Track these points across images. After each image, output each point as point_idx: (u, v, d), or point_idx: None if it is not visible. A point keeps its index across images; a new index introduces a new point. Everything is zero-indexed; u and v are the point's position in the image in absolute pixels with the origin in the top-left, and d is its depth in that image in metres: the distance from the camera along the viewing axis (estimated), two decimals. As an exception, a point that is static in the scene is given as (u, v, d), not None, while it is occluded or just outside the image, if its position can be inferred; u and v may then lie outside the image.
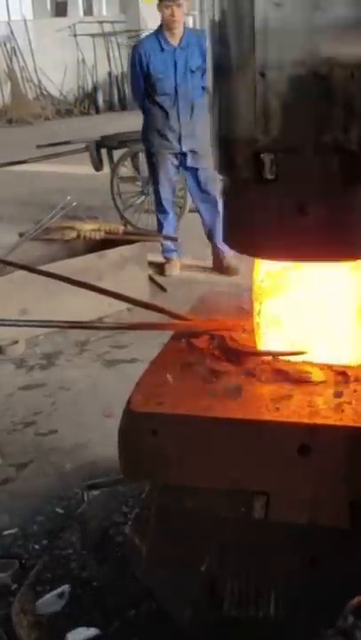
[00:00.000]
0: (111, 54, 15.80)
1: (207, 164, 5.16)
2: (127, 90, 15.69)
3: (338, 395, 1.65)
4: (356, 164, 1.50)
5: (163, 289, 4.99)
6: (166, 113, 5.08)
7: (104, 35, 15.66)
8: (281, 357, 1.79)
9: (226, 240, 1.81)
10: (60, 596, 2.06)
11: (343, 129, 1.47)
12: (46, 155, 6.74)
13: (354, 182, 1.52)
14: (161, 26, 5.10)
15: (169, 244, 5.36)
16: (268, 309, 1.81)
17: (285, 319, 1.79)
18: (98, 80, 15.70)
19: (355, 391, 1.67)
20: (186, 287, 5.00)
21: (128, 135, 6.60)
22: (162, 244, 5.36)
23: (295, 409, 1.60)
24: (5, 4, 16.09)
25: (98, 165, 6.49)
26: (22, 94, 14.86)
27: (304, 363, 1.77)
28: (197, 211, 5.39)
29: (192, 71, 5.03)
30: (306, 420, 1.57)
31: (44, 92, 15.21)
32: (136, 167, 6.56)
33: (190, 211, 5.78)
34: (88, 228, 4.84)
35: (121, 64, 15.84)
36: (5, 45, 14.74)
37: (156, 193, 5.40)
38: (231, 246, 1.80)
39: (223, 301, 2.21)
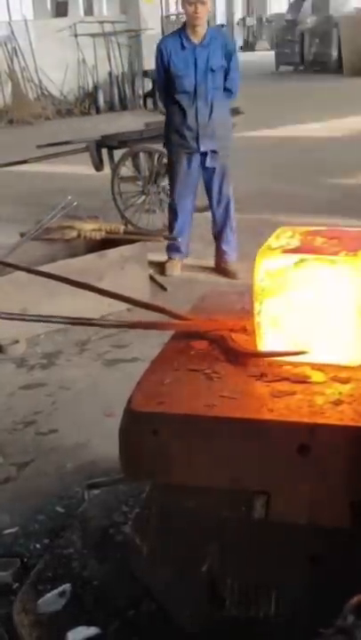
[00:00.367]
0: (112, 54, 15.79)
1: (224, 165, 5.17)
2: (127, 90, 15.72)
3: (338, 395, 1.65)
4: None
5: (163, 288, 5.00)
6: (185, 111, 5.02)
7: (105, 35, 15.65)
8: (282, 358, 1.79)
9: None
10: (61, 595, 2.07)
11: None
12: (47, 155, 6.74)
13: None
14: (185, 23, 5.08)
15: (174, 243, 5.31)
16: (268, 309, 1.81)
17: (285, 319, 1.80)
18: (98, 80, 15.70)
19: (355, 391, 1.67)
20: (186, 287, 5.00)
21: (129, 135, 6.60)
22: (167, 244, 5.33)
23: (295, 408, 1.61)
24: (6, 4, 16.13)
25: (98, 165, 6.49)
26: (23, 94, 14.86)
27: (304, 363, 1.77)
28: (210, 210, 5.35)
29: (212, 70, 4.96)
30: (306, 420, 1.57)
31: (45, 92, 15.21)
32: (137, 167, 6.56)
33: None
34: (88, 228, 4.84)
35: (122, 64, 15.85)
36: (6, 45, 14.74)
37: (172, 191, 5.36)
38: None
39: (224, 301, 2.21)
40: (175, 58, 4.97)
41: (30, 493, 2.85)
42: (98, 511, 2.47)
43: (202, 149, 5.07)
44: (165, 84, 5.12)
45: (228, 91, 5.11)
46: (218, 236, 5.33)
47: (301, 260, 1.74)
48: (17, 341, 4.20)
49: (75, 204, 5.27)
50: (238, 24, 30.24)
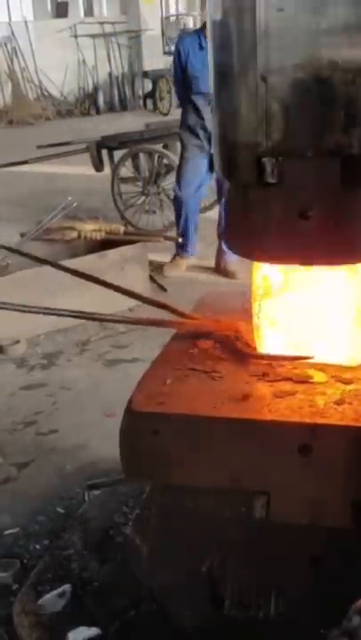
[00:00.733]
0: (112, 55, 15.81)
1: None
2: (127, 90, 15.73)
3: (339, 395, 1.65)
4: (357, 167, 1.50)
5: (163, 289, 4.99)
6: (200, 112, 5.01)
7: (105, 35, 15.67)
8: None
9: (227, 243, 1.81)
10: (61, 595, 2.07)
11: (344, 132, 1.48)
12: (47, 155, 6.74)
13: (355, 186, 1.52)
14: (204, 24, 5.07)
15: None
16: (267, 310, 1.81)
17: (284, 320, 1.80)
18: (98, 81, 15.72)
19: (356, 391, 1.67)
20: (187, 287, 5.00)
21: (129, 136, 6.60)
22: (178, 241, 5.32)
23: (296, 409, 1.61)
24: (6, 4, 16.13)
25: (98, 166, 6.49)
26: (23, 95, 14.88)
27: (305, 363, 1.77)
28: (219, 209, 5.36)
29: None
30: (307, 420, 1.57)
31: (45, 93, 15.22)
32: (136, 168, 6.57)
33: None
34: (89, 229, 4.84)
35: (122, 65, 15.86)
36: (6, 46, 14.76)
37: (178, 184, 5.32)
38: (232, 250, 1.81)
39: (226, 302, 2.21)
40: (193, 58, 4.95)
41: (30, 494, 2.85)
42: (98, 512, 2.47)
43: (213, 151, 5.06)
44: (182, 83, 5.10)
45: None
46: (220, 236, 5.33)
47: None
48: (17, 342, 4.20)
49: (75, 204, 5.27)
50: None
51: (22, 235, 4.89)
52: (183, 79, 5.04)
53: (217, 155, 1.71)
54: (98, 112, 15.41)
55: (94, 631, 1.91)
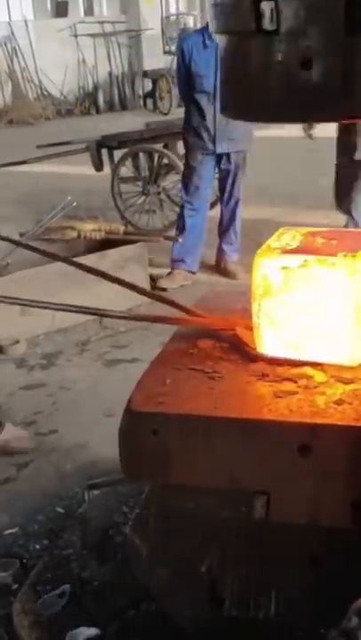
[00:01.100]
0: (112, 54, 15.82)
1: (238, 167, 5.15)
2: (127, 90, 15.74)
3: (339, 395, 1.65)
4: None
5: (162, 288, 4.99)
6: (203, 112, 4.96)
7: (105, 35, 15.68)
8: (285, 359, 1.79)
9: (225, 107, 1.66)
10: (61, 595, 2.06)
11: None
12: (47, 155, 6.74)
13: (359, 31, 1.38)
14: (207, 23, 5.04)
15: (176, 252, 5.17)
16: (267, 310, 1.81)
17: (284, 320, 1.79)
18: (98, 80, 15.72)
19: (356, 391, 1.67)
20: (187, 287, 5.01)
21: (129, 135, 6.60)
22: (171, 252, 5.19)
23: (296, 408, 1.60)
24: (6, 4, 16.12)
25: (98, 165, 6.49)
26: (23, 94, 14.88)
27: (305, 363, 1.77)
28: (220, 207, 5.34)
29: None
30: (307, 420, 1.56)
31: (45, 93, 15.22)
32: (136, 167, 6.56)
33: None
34: (88, 228, 4.84)
35: (122, 64, 15.87)
36: (6, 46, 14.76)
37: (184, 190, 5.28)
38: (231, 115, 1.67)
39: (227, 301, 2.20)
40: (197, 57, 4.90)
41: (30, 494, 2.85)
42: (98, 512, 2.47)
43: (218, 151, 5.04)
44: (186, 82, 5.07)
45: None
46: (221, 235, 5.32)
47: (300, 261, 1.73)
48: (17, 342, 4.20)
49: (75, 204, 5.27)
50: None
51: (22, 234, 4.89)
52: (187, 78, 5.02)
53: (212, 9, 1.58)
54: (98, 111, 15.42)
55: (94, 631, 1.91)
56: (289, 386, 1.70)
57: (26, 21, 15.26)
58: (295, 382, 1.71)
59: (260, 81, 1.50)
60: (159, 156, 6.44)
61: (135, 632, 1.89)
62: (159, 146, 6.49)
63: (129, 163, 6.55)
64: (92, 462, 3.01)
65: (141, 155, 6.46)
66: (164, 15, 17.45)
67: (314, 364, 1.77)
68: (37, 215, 5.31)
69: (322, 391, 1.67)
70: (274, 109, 1.52)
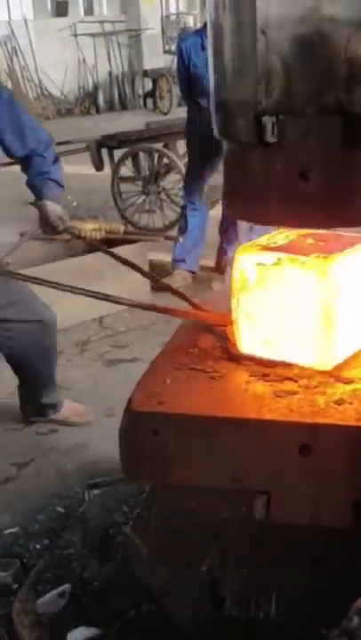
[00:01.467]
0: (112, 54, 15.81)
1: None
2: (127, 89, 15.73)
3: (340, 394, 1.65)
4: (358, 126, 1.45)
5: (164, 285, 4.97)
6: (204, 112, 4.87)
7: (105, 34, 15.67)
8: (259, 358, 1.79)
9: (227, 207, 1.76)
10: (61, 595, 2.06)
11: (346, 90, 1.43)
12: (47, 154, 6.72)
13: (356, 146, 1.48)
14: (206, 23, 5.02)
15: (177, 252, 5.17)
16: (244, 305, 1.81)
17: (258, 316, 1.79)
18: (98, 80, 15.71)
19: (356, 391, 1.66)
20: (186, 287, 4.99)
21: (129, 135, 6.60)
22: (173, 253, 5.19)
23: (296, 408, 1.60)
24: (6, 3, 16.11)
25: (98, 165, 6.48)
26: (23, 94, 14.85)
27: (277, 363, 1.77)
28: (221, 205, 5.32)
29: None
30: (307, 420, 1.56)
31: (45, 92, 15.21)
32: (137, 167, 6.56)
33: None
34: (89, 228, 4.83)
35: (122, 64, 15.86)
36: (6, 45, 14.75)
37: (185, 190, 5.28)
38: (233, 214, 1.77)
39: (226, 301, 2.20)
40: (195, 58, 4.89)
41: (30, 493, 2.85)
42: (98, 511, 2.47)
43: (218, 153, 5.03)
44: (187, 83, 5.06)
45: None
46: (222, 234, 5.32)
47: (274, 259, 1.74)
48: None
49: (75, 203, 5.27)
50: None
51: (22, 234, 4.88)
52: (187, 79, 5.01)
53: (214, 115, 1.65)
54: (98, 111, 15.41)
55: (94, 631, 1.91)
56: (289, 385, 1.70)
57: (26, 21, 15.25)
58: (296, 382, 1.71)
59: (260, 189, 1.60)
60: (159, 156, 6.44)
61: (136, 632, 1.89)
62: (159, 145, 6.49)
63: (129, 162, 6.55)
64: (92, 462, 3.00)
65: (141, 154, 6.46)
66: (164, 15, 17.45)
67: (285, 365, 1.77)
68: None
69: (322, 391, 1.67)
70: (274, 215, 1.62)
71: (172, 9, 19.78)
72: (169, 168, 6.44)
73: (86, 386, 3.75)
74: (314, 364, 1.73)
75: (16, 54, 14.79)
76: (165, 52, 16.04)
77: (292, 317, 1.73)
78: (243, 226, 5.27)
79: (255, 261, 1.76)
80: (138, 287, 4.33)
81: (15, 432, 3.36)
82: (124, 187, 6.54)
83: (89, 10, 18.30)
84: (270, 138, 1.50)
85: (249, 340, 1.82)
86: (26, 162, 3.13)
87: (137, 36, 15.88)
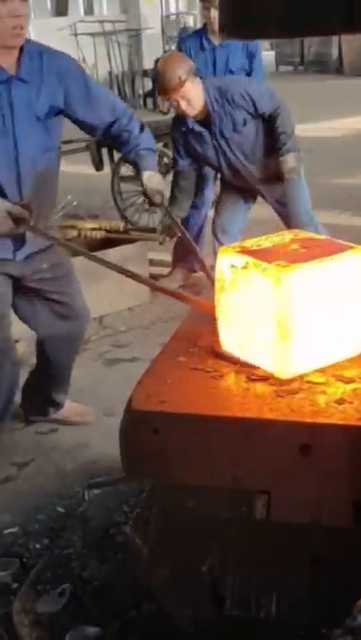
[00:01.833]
0: (112, 53, 15.78)
1: None
2: (127, 89, 15.72)
3: (340, 394, 1.65)
4: None
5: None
6: None
7: (105, 34, 15.64)
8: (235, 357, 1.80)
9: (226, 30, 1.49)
10: (61, 595, 2.06)
11: None
12: (47, 154, 6.72)
13: None
14: (205, 24, 5.01)
15: (177, 252, 5.15)
16: (220, 305, 1.82)
17: (232, 316, 1.80)
18: (98, 79, 15.65)
19: (356, 390, 1.66)
20: (187, 286, 5.00)
21: (129, 134, 6.58)
22: (173, 252, 5.17)
23: (297, 408, 1.60)
24: (6, 3, 16.07)
25: (98, 165, 6.48)
26: (23, 94, 14.84)
27: (246, 364, 1.77)
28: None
29: (231, 72, 4.87)
30: (308, 420, 1.56)
31: (45, 92, 15.19)
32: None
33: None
34: (89, 227, 4.83)
35: (122, 63, 15.85)
36: (6, 44, 14.72)
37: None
38: (234, 35, 1.46)
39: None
40: (195, 58, 4.82)
41: (30, 493, 2.85)
42: (98, 511, 2.47)
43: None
44: None
45: None
46: (217, 232, 5.30)
47: (243, 262, 1.74)
48: (17, 341, 4.18)
49: (75, 203, 5.27)
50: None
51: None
52: None
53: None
54: (98, 111, 15.38)
55: (94, 631, 1.91)
56: (290, 385, 1.69)
57: (26, 20, 15.23)
58: (296, 382, 1.71)
59: None
60: (159, 156, 6.42)
61: (136, 632, 1.89)
62: (159, 145, 6.48)
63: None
64: (92, 461, 3.00)
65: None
66: (164, 14, 17.44)
67: (252, 368, 1.76)
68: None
69: (323, 390, 1.67)
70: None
71: (172, 9, 19.79)
72: (169, 168, 6.43)
73: (86, 385, 3.74)
74: (274, 371, 1.72)
75: (16, 54, 14.78)
76: (165, 51, 16.02)
77: (256, 322, 1.73)
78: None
79: (230, 263, 1.78)
80: (138, 287, 4.34)
81: (15, 431, 3.36)
82: (124, 186, 6.54)
83: (89, 9, 18.32)
84: None
85: (227, 339, 1.84)
86: (112, 138, 3.02)
87: (137, 35, 15.87)
